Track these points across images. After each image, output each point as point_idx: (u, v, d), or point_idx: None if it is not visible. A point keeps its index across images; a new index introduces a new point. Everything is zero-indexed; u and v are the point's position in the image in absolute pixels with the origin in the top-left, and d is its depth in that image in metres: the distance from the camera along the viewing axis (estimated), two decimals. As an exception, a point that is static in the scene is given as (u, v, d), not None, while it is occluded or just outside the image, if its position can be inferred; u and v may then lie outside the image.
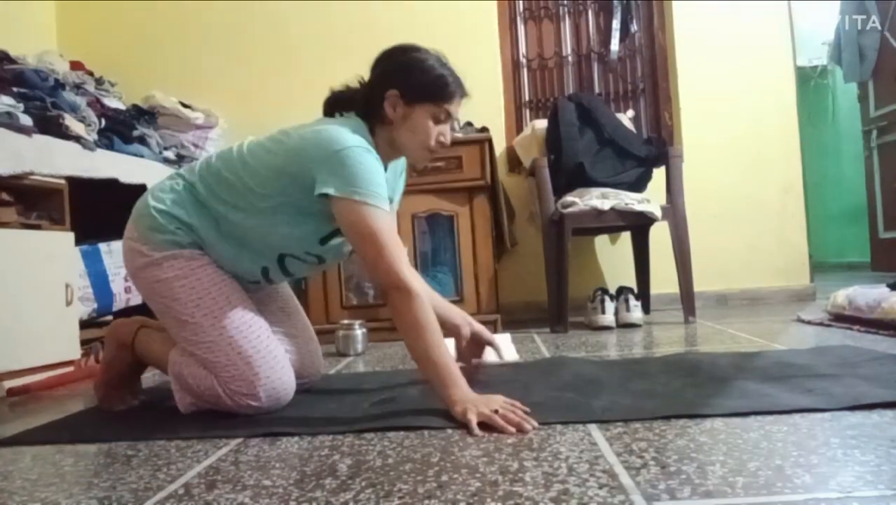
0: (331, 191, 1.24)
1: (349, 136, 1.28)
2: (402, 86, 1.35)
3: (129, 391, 1.56)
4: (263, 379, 1.32)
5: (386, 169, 1.40)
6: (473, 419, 1.12)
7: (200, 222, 1.37)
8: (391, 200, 1.47)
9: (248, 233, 1.37)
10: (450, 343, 1.34)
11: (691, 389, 1.32)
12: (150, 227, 1.37)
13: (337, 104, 1.44)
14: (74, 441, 1.23)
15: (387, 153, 1.41)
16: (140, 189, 2.46)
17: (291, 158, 1.31)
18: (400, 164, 1.56)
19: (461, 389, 1.20)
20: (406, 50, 1.40)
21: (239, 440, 1.17)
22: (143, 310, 2.59)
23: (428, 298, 1.28)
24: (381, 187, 1.27)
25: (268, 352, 1.35)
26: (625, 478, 0.85)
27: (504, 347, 1.70)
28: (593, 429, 1.10)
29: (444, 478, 0.89)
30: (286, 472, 0.97)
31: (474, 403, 1.16)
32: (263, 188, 1.33)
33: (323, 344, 1.74)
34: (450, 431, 1.14)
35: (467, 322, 1.56)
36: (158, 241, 1.36)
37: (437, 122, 1.37)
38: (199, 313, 1.32)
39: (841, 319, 2.25)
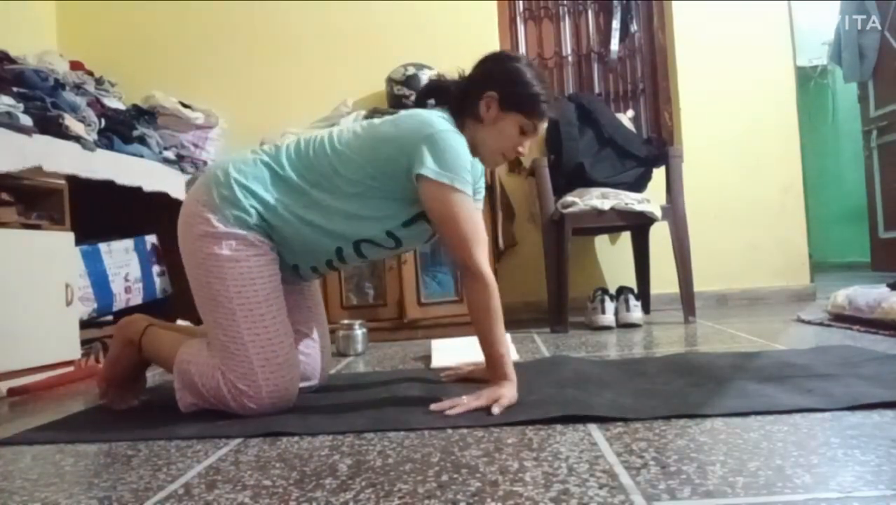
0: (426, 172, 1.28)
1: (442, 122, 1.34)
2: (502, 90, 1.39)
3: (133, 390, 1.56)
4: (271, 386, 1.32)
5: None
6: (502, 408, 1.23)
7: (280, 199, 1.36)
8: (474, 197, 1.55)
9: (331, 213, 1.37)
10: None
11: (691, 389, 1.32)
12: (226, 198, 1.35)
13: (432, 92, 1.49)
14: (74, 441, 1.23)
15: (468, 149, 1.42)
16: (138, 190, 2.47)
17: (385, 142, 1.35)
18: (480, 166, 1.58)
19: (512, 381, 1.31)
20: (513, 59, 1.45)
21: (239, 440, 1.17)
22: (144, 310, 2.60)
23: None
24: (468, 174, 1.33)
25: (284, 359, 1.34)
26: (625, 478, 0.85)
27: None
28: (593, 429, 1.10)
29: (445, 478, 0.89)
30: (286, 472, 0.97)
31: (511, 399, 1.27)
32: (354, 174, 1.35)
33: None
34: (450, 430, 1.15)
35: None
36: (229, 215, 1.34)
37: (523, 133, 1.41)
38: (237, 301, 1.31)
39: (841, 318, 2.25)
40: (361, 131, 1.41)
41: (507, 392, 1.28)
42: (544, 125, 1.45)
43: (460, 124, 1.41)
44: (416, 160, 1.29)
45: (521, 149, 1.43)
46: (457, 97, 1.44)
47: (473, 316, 1.34)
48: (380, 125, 1.40)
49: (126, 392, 1.54)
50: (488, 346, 1.33)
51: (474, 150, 1.43)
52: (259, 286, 1.33)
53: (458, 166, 1.30)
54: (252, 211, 1.35)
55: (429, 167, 1.28)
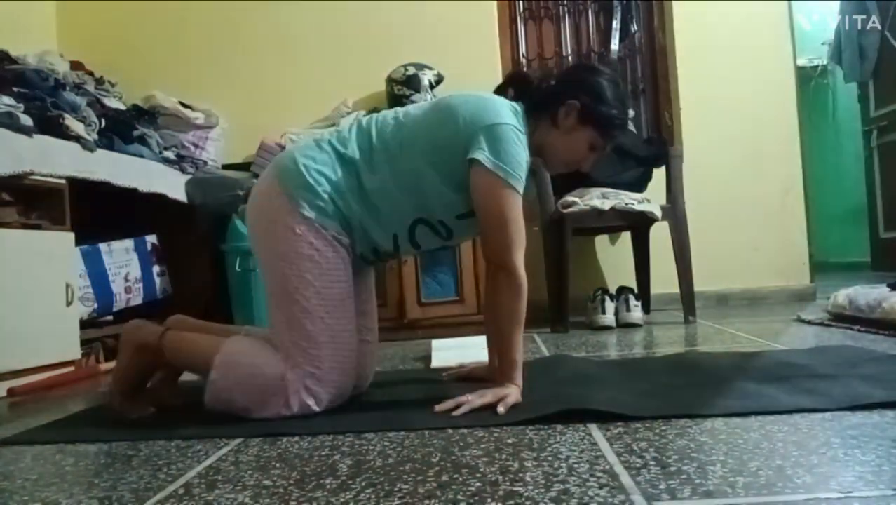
0: (481, 158, 1.26)
1: (510, 115, 1.32)
2: (586, 103, 1.38)
3: (144, 397, 1.44)
4: (336, 387, 1.30)
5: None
6: (507, 406, 1.23)
7: (347, 182, 1.33)
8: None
9: (389, 196, 1.34)
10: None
11: (691, 388, 1.32)
12: (301, 185, 1.31)
13: (514, 82, 1.48)
14: (75, 441, 1.23)
15: (531, 149, 1.40)
16: (137, 190, 2.46)
17: (450, 119, 1.32)
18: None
19: (518, 387, 1.29)
20: (604, 74, 1.43)
21: (239, 440, 1.17)
22: (144, 310, 2.59)
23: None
24: (523, 171, 1.31)
25: (349, 362, 1.33)
26: (625, 478, 0.85)
27: None
28: (594, 429, 1.10)
29: (445, 478, 0.89)
30: (286, 472, 0.97)
31: (516, 399, 1.26)
32: (412, 148, 1.33)
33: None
34: (450, 430, 1.15)
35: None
36: (306, 205, 1.30)
37: (592, 149, 1.42)
38: (315, 300, 1.28)
39: (841, 318, 2.25)
40: (427, 105, 1.40)
41: (513, 394, 1.27)
42: (610, 145, 1.45)
43: (532, 123, 1.40)
44: (475, 146, 1.27)
45: (584, 164, 1.43)
46: (538, 95, 1.43)
47: (497, 316, 1.33)
48: (449, 100, 1.37)
49: (138, 400, 1.42)
50: (505, 350, 1.32)
51: (538, 152, 1.42)
52: (338, 290, 1.31)
53: (515, 163, 1.28)
54: (327, 198, 1.31)
55: (485, 155, 1.26)
